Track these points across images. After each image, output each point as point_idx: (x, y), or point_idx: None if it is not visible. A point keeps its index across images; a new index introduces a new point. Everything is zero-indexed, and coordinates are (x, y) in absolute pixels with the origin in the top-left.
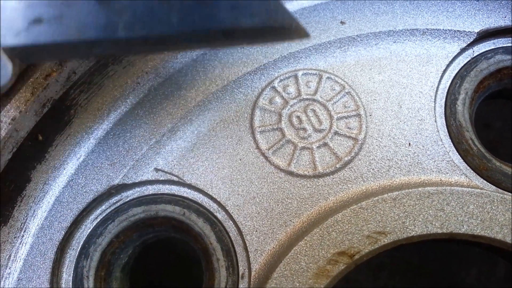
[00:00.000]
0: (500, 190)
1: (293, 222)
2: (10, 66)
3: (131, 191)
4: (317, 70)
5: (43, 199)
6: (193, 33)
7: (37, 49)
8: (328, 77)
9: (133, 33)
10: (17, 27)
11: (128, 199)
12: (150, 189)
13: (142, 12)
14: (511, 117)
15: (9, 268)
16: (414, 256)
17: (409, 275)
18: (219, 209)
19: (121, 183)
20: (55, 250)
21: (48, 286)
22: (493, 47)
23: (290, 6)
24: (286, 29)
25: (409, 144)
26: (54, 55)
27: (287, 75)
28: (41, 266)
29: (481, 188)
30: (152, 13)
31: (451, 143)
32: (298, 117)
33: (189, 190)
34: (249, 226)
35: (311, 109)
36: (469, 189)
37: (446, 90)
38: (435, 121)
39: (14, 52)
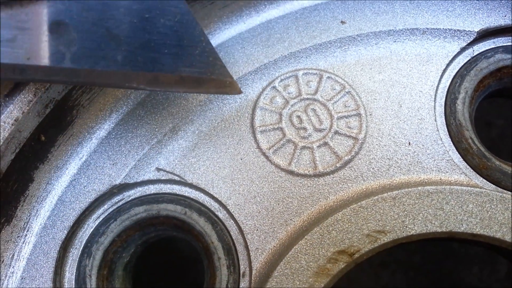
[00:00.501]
0: (499, 189)
1: (294, 221)
2: None
3: (133, 191)
4: (318, 69)
5: (46, 198)
6: (134, 74)
7: None
8: (328, 77)
9: (79, 65)
10: None
11: (130, 199)
12: (152, 189)
13: (89, 47)
14: None
15: (13, 267)
16: (416, 255)
17: (410, 274)
18: (220, 208)
19: (123, 182)
20: (58, 249)
21: (51, 285)
22: (493, 46)
23: (291, 6)
24: (221, 82)
25: (409, 143)
26: (3, 74)
27: (287, 75)
28: (44, 265)
29: (481, 187)
30: (99, 49)
31: (451, 142)
32: (298, 116)
33: (191, 190)
34: (250, 225)
35: (311, 109)
36: (469, 188)
37: (446, 89)
38: (435, 120)
39: None
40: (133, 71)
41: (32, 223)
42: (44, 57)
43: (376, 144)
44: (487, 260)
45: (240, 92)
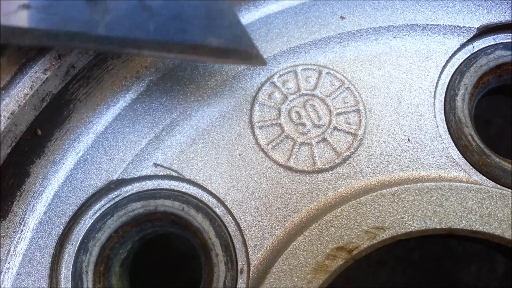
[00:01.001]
0: (499, 186)
1: (292, 218)
2: None
3: (130, 186)
4: (317, 65)
5: (42, 194)
6: (165, 42)
7: (20, 31)
8: (327, 73)
9: (112, 32)
10: (5, 9)
11: (127, 194)
12: (149, 184)
13: (123, 15)
14: None
15: (8, 262)
16: (414, 253)
17: (409, 272)
18: (218, 204)
19: (120, 178)
20: (54, 245)
21: (47, 281)
22: (493, 43)
23: (290, 1)
24: (247, 53)
25: (408, 139)
26: (35, 40)
27: (286, 70)
28: (40, 261)
29: (480, 184)
30: (132, 19)
31: (450, 139)
32: (297, 112)
33: (188, 185)
34: (248, 221)
35: (310, 105)
36: (468, 184)
37: (445, 86)
38: (435, 117)
39: None
40: (164, 40)
41: (28, 218)
42: (79, 24)
43: (375, 140)
44: (485, 258)
45: (265, 63)
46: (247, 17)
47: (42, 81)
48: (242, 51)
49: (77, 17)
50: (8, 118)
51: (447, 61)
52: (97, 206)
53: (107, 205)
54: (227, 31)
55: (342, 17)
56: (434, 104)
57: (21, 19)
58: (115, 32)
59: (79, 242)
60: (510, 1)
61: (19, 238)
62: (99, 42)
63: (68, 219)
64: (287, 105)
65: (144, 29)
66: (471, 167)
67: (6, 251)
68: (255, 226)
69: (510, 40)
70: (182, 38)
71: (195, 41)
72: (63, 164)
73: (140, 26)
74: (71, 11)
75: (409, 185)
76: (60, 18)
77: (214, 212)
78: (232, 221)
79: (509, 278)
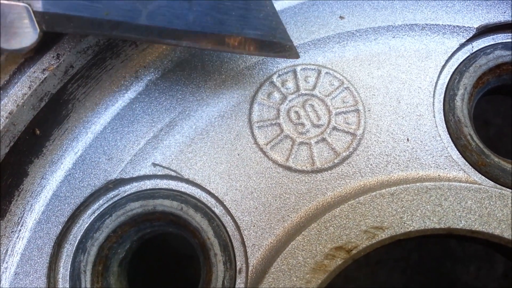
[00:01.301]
0: (498, 186)
1: (291, 217)
2: (37, 30)
3: (128, 186)
4: (316, 65)
5: (40, 193)
6: (203, 34)
7: (64, 19)
8: (326, 72)
9: (153, 22)
10: None
11: (125, 194)
12: (148, 184)
13: (164, 5)
14: (511, 114)
15: (6, 262)
16: (413, 253)
17: (408, 272)
18: (217, 204)
19: (118, 177)
20: (52, 244)
21: (45, 280)
22: (492, 43)
23: (289, 1)
24: (281, 46)
25: (408, 139)
26: (78, 28)
27: (285, 70)
28: (38, 260)
29: (479, 184)
30: (173, 9)
31: (450, 139)
32: (296, 112)
33: (187, 185)
34: (246, 221)
35: (309, 104)
36: (467, 184)
37: (445, 86)
38: (434, 117)
39: (43, 18)
40: (202, 32)
41: (26, 218)
42: (122, 13)
43: (375, 140)
44: (484, 259)
45: (298, 57)
46: None
47: (41, 80)
48: (277, 43)
49: (120, 6)
50: (7, 117)
51: (447, 61)
52: (96, 206)
53: (106, 205)
54: (263, 23)
55: (341, 17)
56: (433, 104)
57: (65, 7)
58: (156, 22)
59: (77, 241)
60: (510, 1)
61: (17, 238)
62: (140, 32)
63: (66, 219)
64: (286, 105)
65: (184, 20)
66: (470, 167)
67: (4, 251)
68: (254, 225)
69: (509, 40)
70: (219, 29)
71: (232, 32)
72: (62, 163)
73: (180, 17)
74: (114, 0)
75: (408, 185)
76: (103, 7)
77: (213, 212)
78: (231, 220)
79: (508, 278)
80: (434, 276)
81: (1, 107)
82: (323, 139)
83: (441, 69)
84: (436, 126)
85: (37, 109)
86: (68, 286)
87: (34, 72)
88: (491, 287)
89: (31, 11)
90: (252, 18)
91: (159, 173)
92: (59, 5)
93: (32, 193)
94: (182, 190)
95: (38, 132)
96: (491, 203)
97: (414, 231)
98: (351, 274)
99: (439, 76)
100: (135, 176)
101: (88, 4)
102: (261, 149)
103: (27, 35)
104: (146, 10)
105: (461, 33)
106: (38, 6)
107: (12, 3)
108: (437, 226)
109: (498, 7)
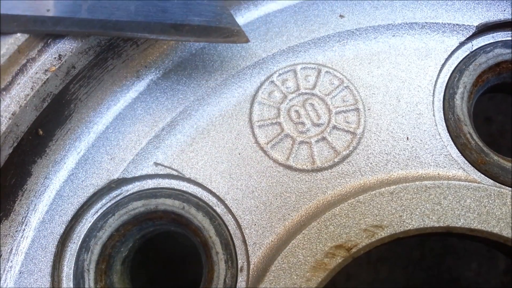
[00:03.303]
0: (497, 184)
1: (291, 216)
2: None
3: (131, 185)
4: (316, 64)
5: (44, 193)
6: (147, 23)
7: (7, 19)
8: (326, 71)
9: (94, 15)
10: None
11: (128, 193)
12: (150, 183)
13: None
14: None
15: (11, 261)
16: (415, 251)
17: (409, 269)
18: (218, 203)
19: (121, 177)
20: (56, 243)
21: (49, 279)
22: (492, 41)
23: (290, 1)
24: (229, 30)
25: (407, 138)
26: (22, 26)
27: (286, 69)
28: (42, 259)
29: (479, 182)
30: (113, 0)
31: (449, 137)
32: (296, 111)
33: (189, 184)
34: (247, 220)
35: (309, 103)
36: (467, 183)
37: (444, 84)
38: (433, 115)
39: None
40: (145, 21)
41: (30, 217)
42: (62, 8)
43: (374, 139)
44: (486, 255)
45: (247, 41)
46: (246, 16)
47: (43, 81)
48: (224, 28)
49: (60, 2)
50: (10, 118)
51: (446, 60)
52: (98, 205)
53: (108, 204)
54: (207, 9)
55: (341, 16)
56: (433, 103)
57: (8, 7)
58: (97, 15)
59: (80, 240)
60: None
61: (21, 237)
62: (83, 26)
63: (69, 218)
64: (287, 104)
65: (125, 10)
66: (469, 165)
67: (9, 250)
68: (255, 224)
69: (509, 38)
70: (162, 17)
71: (175, 20)
72: (65, 163)
73: (121, 7)
74: None
75: (407, 184)
76: (43, 4)
77: (214, 211)
78: (232, 219)
79: (509, 275)
80: (436, 273)
81: (4, 108)
82: (323, 138)
83: (441, 67)
84: (436, 125)
85: (39, 110)
86: (72, 285)
87: (37, 73)
88: (493, 283)
89: None
90: (196, 4)
91: (161, 172)
92: (1, 6)
93: (35, 192)
94: (184, 189)
95: (41, 132)
96: (490, 201)
97: (414, 230)
98: (353, 271)
99: (438, 75)
100: (137, 175)
101: (29, 2)
102: (261, 148)
103: None
104: (87, 4)
105: (461, 32)
106: None
107: None
108: (436, 225)
109: (498, 5)
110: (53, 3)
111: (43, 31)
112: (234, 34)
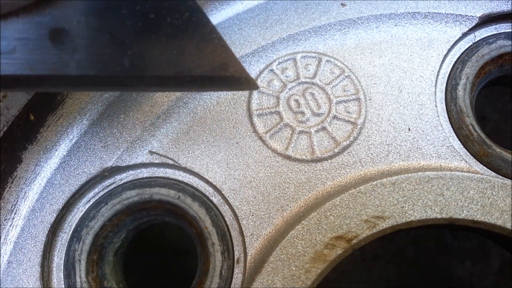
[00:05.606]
0: (500, 176)
1: (290, 207)
2: None
3: (124, 174)
4: (317, 53)
5: (34, 180)
6: (142, 77)
7: None
8: (327, 60)
9: (84, 71)
10: None
11: (121, 182)
12: (145, 172)
13: (94, 53)
14: (507, 110)
15: None
16: (409, 248)
17: (403, 267)
18: (215, 193)
19: (114, 165)
20: (47, 233)
21: (39, 269)
22: (495, 32)
23: None
24: (236, 79)
25: (409, 129)
26: (6, 86)
27: (285, 58)
28: (32, 249)
29: (482, 174)
30: (104, 55)
31: (451, 129)
32: (296, 100)
33: (184, 174)
34: (245, 211)
35: (309, 93)
36: (470, 174)
37: (447, 75)
38: (436, 106)
39: None
40: (141, 74)
41: (20, 205)
42: (47, 67)
43: (375, 130)
44: (480, 254)
45: (257, 87)
46: (246, 2)
47: None
48: (230, 77)
49: (44, 60)
50: (0, 101)
51: (449, 50)
52: (91, 194)
53: (101, 193)
54: (210, 58)
55: (342, 4)
56: (435, 94)
57: None
58: (86, 71)
59: (72, 230)
60: None
61: (10, 226)
62: (72, 83)
63: (61, 207)
64: (286, 93)
65: (118, 65)
66: (472, 157)
67: None
68: (253, 215)
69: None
70: (161, 70)
71: (176, 72)
72: (56, 150)
73: (113, 62)
74: (37, 54)
75: (409, 174)
76: (26, 63)
77: (211, 201)
78: (229, 210)
79: (503, 273)
80: (430, 271)
81: None
82: (323, 128)
83: (443, 58)
84: (438, 116)
85: (31, 93)
86: (62, 275)
87: None
88: (486, 282)
89: None
90: (198, 54)
91: (156, 161)
92: None
93: (26, 180)
94: (180, 178)
95: (32, 117)
96: (494, 193)
97: (416, 221)
98: (346, 269)
99: (441, 65)
100: (131, 164)
101: (9, 62)
102: (260, 138)
103: None
104: (74, 60)
105: (463, 22)
106: None
107: None
108: (439, 216)
109: None
110: (36, 61)
111: (30, 89)
112: (242, 83)
